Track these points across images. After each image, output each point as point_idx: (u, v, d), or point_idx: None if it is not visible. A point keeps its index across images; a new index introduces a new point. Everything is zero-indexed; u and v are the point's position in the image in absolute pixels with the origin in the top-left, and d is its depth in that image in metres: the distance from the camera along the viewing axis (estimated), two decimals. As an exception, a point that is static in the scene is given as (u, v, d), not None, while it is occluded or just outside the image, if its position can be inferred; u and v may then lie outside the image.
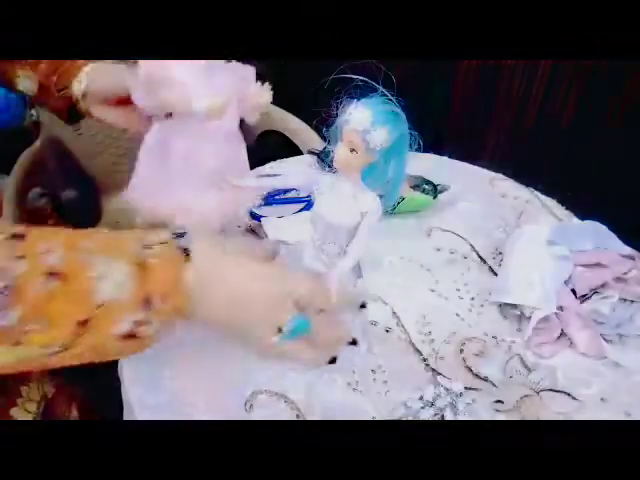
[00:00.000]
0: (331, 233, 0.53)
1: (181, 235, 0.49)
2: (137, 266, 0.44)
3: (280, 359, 0.53)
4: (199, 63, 0.56)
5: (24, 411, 0.58)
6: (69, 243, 0.43)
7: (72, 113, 0.67)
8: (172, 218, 0.57)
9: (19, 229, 0.42)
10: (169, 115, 0.56)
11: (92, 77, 0.64)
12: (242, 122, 0.60)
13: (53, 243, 0.42)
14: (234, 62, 0.58)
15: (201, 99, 0.54)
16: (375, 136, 0.47)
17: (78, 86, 0.64)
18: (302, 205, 0.84)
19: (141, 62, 0.55)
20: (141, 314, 0.44)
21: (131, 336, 0.45)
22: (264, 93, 0.58)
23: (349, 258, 0.53)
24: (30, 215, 1.17)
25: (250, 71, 0.58)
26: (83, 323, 0.42)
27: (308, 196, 0.84)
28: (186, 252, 0.47)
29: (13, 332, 0.39)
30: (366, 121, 0.47)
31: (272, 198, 0.85)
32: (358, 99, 0.48)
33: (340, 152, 0.49)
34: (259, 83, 0.58)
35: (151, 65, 0.55)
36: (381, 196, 0.52)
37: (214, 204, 0.58)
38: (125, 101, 0.60)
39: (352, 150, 0.49)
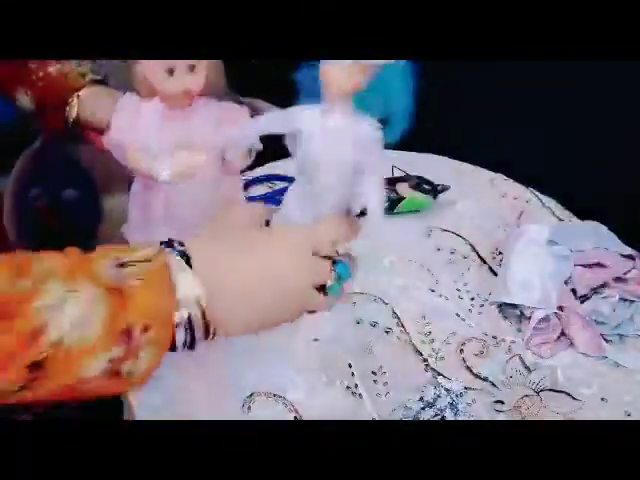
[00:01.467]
0: (328, 179, 0.45)
1: (171, 244, 0.42)
2: (108, 291, 0.36)
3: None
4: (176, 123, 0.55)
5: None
6: (14, 268, 0.35)
7: (64, 131, 0.69)
8: None
9: None
10: None
11: (83, 105, 0.65)
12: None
13: None
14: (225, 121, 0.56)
15: (164, 169, 0.54)
16: None
17: (70, 111, 0.65)
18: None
19: (112, 123, 0.55)
20: (119, 350, 0.37)
21: (114, 374, 0.37)
22: (242, 159, 0.57)
23: (373, 202, 0.45)
24: (30, 215, 1.17)
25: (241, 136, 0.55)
26: (33, 367, 0.35)
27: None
28: (186, 258, 0.40)
29: None
30: None
31: (272, 198, 0.85)
32: None
33: (331, 72, 0.42)
34: (241, 149, 0.56)
35: (120, 130, 0.55)
36: (383, 123, 0.44)
37: None
38: None
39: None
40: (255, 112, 0.61)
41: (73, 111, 0.66)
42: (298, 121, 0.45)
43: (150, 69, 0.52)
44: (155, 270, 0.39)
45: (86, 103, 0.66)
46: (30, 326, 0.34)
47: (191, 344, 0.42)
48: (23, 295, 0.35)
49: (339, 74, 0.41)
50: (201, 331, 0.41)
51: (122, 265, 0.38)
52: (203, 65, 0.54)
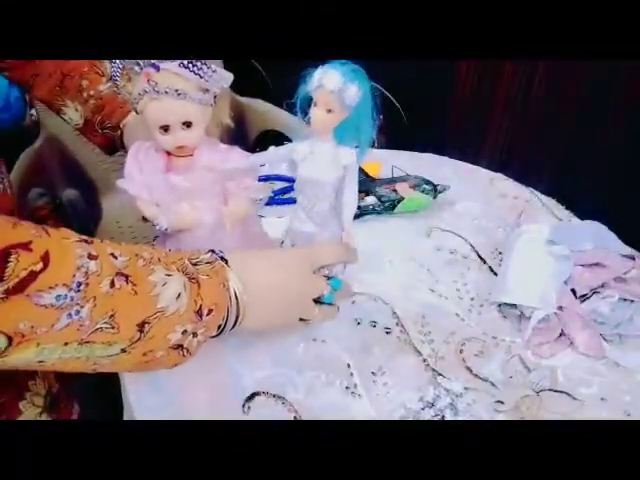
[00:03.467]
0: (319, 192, 0.58)
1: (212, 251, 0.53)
2: (189, 279, 0.48)
3: (315, 322, 0.59)
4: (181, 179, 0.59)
5: (32, 405, 0.59)
6: (132, 251, 0.46)
7: (110, 148, 0.75)
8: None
9: (85, 236, 0.44)
10: None
11: (127, 132, 0.71)
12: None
13: (118, 250, 0.45)
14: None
15: (164, 221, 0.59)
16: (349, 93, 0.51)
17: (117, 134, 0.72)
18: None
19: (125, 171, 0.60)
20: (191, 325, 0.47)
21: (177, 347, 0.48)
22: (240, 208, 0.61)
23: (348, 209, 0.58)
24: (30, 215, 1.17)
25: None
26: (142, 326, 0.44)
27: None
28: (225, 261, 0.51)
29: (83, 329, 0.41)
30: (339, 81, 0.51)
31: (272, 198, 0.85)
32: (321, 65, 0.52)
33: (317, 115, 0.53)
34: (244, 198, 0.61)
35: (129, 179, 0.59)
36: (356, 147, 0.56)
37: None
38: None
39: (329, 111, 0.52)
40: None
41: (118, 135, 0.72)
42: (294, 153, 0.57)
43: (149, 122, 0.55)
44: (217, 270, 0.50)
45: (130, 131, 0.71)
46: (146, 294, 0.44)
47: (222, 330, 0.51)
48: (142, 270, 0.45)
49: (320, 116, 0.53)
50: (233, 320, 0.51)
51: (195, 264, 0.50)
52: (200, 121, 0.56)
